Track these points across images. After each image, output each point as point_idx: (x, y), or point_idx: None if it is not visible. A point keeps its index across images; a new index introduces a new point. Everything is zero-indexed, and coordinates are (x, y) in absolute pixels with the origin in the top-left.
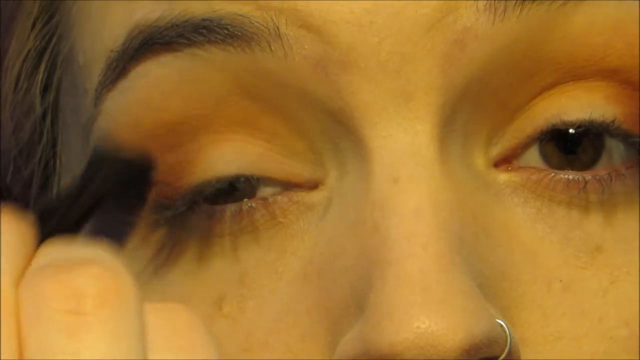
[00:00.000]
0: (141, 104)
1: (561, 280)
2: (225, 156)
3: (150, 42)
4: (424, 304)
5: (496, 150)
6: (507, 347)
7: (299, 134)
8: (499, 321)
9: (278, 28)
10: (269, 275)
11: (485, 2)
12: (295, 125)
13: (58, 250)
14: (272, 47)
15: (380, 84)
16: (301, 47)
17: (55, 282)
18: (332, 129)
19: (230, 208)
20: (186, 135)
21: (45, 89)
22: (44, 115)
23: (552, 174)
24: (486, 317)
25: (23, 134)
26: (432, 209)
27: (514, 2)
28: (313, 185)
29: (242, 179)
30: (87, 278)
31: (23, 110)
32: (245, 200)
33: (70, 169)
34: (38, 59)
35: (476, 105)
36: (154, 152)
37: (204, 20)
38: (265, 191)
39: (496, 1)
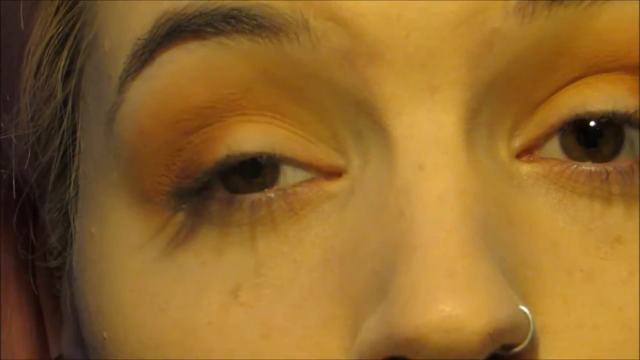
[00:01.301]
0: (167, 91)
1: (582, 270)
2: (250, 135)
3: (178, 30)
4: (449, 288)
5: (519, 142)
6: (530, 334)
7: (323, 122)
8: (522, 308)
9: (306, 20)
10: (286, 264)
11: (515, 2)
12: (320, 113)
13: None
14: (300, 39)
15: (406, 77)
16: (329, 39)
17: None
18: (356, 118)
19: (250, 198)
20: (213, 117)
21: (67, 75)
22: (64, 102)
23: (575, 166)
24: (510, 303)
25: (42, 120)
26: (457, 196)
27: (543, 2)
28: (335, 173)
29: (265, 157)
30: None
31: (43, 96)
32: (266, 190)
33: (91, 156)
34: (61, 45)
35: (501, 99)
36: (178, 136)
37: (232, 10)
38: (287, 173)
39: (525, 2)
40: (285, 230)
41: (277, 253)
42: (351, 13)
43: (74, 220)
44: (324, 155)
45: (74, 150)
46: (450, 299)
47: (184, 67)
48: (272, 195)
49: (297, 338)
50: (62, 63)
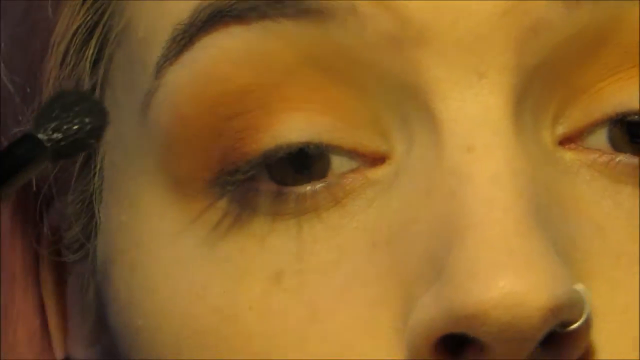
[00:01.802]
0: (208, 75)
1: (628, 255)
2: (296, 124)
3: (220, 15)
4: (509, 265)
5: (562, 129)
6: (586, 311)
7: (366, 108)
8: (577, 286)
9: (354, 5)
10: (329, 250)
11: None
12: (364, 98)
13: None
14: (347, 23)
15: (454, 61)
16: (377, 23)
17: None
18: (400, 102)
19: (296, 191)
20: (255, 102)
21: (94, 64)
22: (92, 91)
23: (619, 158)
24: (567, 280)
25: None
26: (510, 176)
27: None
28: (379, 159)
29: (312, 146)
30: None
31: (69, 85)
32: (312, 182)
33: (121, 144)
34: (89, 34)
35: (545, 85)
36: (218, 121)
37: None
38: (334, 162)
39: None
40: (327, 218)
41: (320, 240)
42: None
43: (98, 211)
44: (368, 141)
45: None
46: (511, 276)
47: (226, 51)
48: (318, 187)
49: (345, 320)
50: (90, 52)
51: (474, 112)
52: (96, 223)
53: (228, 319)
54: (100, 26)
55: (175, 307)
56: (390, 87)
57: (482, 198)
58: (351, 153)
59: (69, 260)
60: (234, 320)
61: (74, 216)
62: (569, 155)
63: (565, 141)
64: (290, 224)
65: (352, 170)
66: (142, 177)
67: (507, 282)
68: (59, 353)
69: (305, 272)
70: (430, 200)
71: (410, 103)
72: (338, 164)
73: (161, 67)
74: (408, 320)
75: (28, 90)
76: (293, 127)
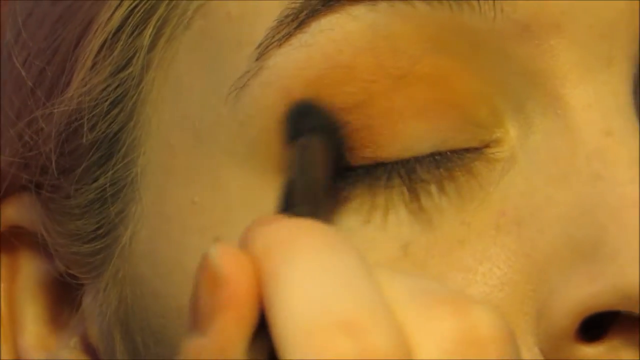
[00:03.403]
0: (326, 60)
1: None
2: (421, 133)
3: None
4: None
5: None
6: None
7: (484, 95)
8: None
9: None
10: (456, 227)
11: None
12: (483, 85)
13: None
14: (483, 8)
15: (585, 47)
16: (513, 10)
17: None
18: (518, 88)
19: (423, 187)
20: (377, 96)
21: (150, 45)
22: (144, 70)
23: None
24: None
25: (105, 93)
26: None
27: None
28: (492, 144)
29: (437, 157)
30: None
31: (112, 67)
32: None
33: (187, 125)
34: (146, 15)
35: None
36: (339, 112)
37: None
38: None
39: None
40: (450, 196)
41: (446, 217)
42: None
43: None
44: (482, 135)
45: (135, 124)
46: None
47: (347, 34)
48: (433, 171)
49: None
50: (148, 32)
51: (606, 98)
52: (135, 208)
53: None
54: (163, 5)
55: None
56: (512, 74)
57: (632, 179)
58: (468, 149)
59: (83, 251)
60: None
61: (97, 202)
62: None
63: None
64: (413, 199)
65: (470, 150)
66: (225, 158)
67: None
68: (5, 357)
69: (432, 246)
70: (567, 184)
71: (533, 90)
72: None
73: (266, 48)
74: (544, 303)
75: (49, 73)
76: (421, 137)
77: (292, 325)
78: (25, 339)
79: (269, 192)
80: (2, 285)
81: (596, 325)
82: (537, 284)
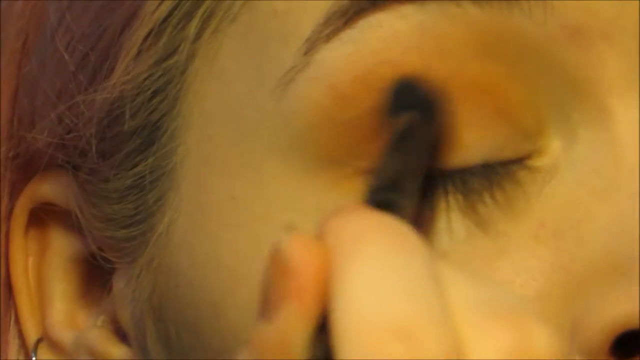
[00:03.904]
0: (375, 56)
1: None
2: (479, 142)
3: None
4: None
5: None
6: None
7: (529, 102)
8: None
9: None
10: (495, 236)
11: None
12: (529, 92)
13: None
14: (533, 11)
15: (632, 57)
16: (563, 14)
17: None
18: (565, 97)
19: (477, 196)
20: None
21: (196, 36)
22: (190, 58)
23: None
24: None
25: (149, 82)
26: None
27: None
28: (534, 154)
29: (487, 167)
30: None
31: (157, 56)
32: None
33: (229, 118)
34: (193, 6)
35: None
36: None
37: None
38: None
39: None
40: (501, 205)
41: (486, 224)
42: None
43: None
44: (531, 145)
45: (177, 113)
46: None
47: (395, 32)
48: (478, 172)
49: None
50: (194, 23)
51: None
52: (172, 197)
53: None
54: None
55: None
56: (559, 81)
57: None
58: (513, 160)
59: (117, 236)
60: None
61: (135, 188)
62: None
63: None
64: (453, 206)
65: (512, 161)
66: (267, 153)
67: None
68: (32, 333)
69: (471, 255)
70: (609, 199)
71: (579, 99)
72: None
73: (314, 44)
74: (580, 319)
75: (92, 59)
76: (472, 148)
77: (346, 324)
78: (52, 316)
79: (311, 190)
80: (30, 259)
81: (629, 342)
82: (574, 298)
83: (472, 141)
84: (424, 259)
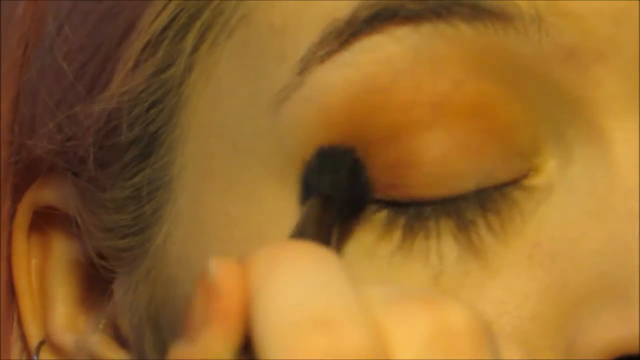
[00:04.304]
0: (365, 81)
1: None
2: (468, 167)
3: (388, 15)
4: None
5: None
6: None
7: (526, 121)
8: None
9: (539, 13)
10: (489, 257)
11: None
12: (525, 111)
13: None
14: (528, 31)
15: (628, 78)
16: (559, 35)
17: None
18: (561, 117)
19: (471, 221)
20: (414, 125)
21: (193, 49)
22: (186, 72)
23: None
24: None
25: (145, 94)
26: None
27: None
28: (530, 173)
29: (481, 191)
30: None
31: (155, 68)
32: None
33: (225, 133)
34: (191, 18)
35: None
36: (371, 136)
37: None
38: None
39: None
40: (494, 229)
41: (480, 245)
42: (585, 10)
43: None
44: (521, 164)
45: (174, 126)
46: None
47: (388, 56)
48: (475, 217)
49: (504, 334)
50: (192, 35)
51: None
52: (167, 210)
53: None
54: (208, 10)
55: None
56: (554, 100)
57: None
58: (506, 182)
59: (117, 246)
60: None
61: (132, 199)
62: None
63: None
64: (447, 228)
65: (506, 183)
66: (261, 170)
67: None
68: (34, 336)
69: (464, 275)
70: (603, 220)
71: (574, 118)
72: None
73: (308, 63)
74: (573, 340)
75: (90, 69)
76: (464, 175)
77: (266, 326)
78: (54, 319)
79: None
80: (33, 261)
81: None
82: (568, 319)
83: (464, 168)
84: (339, 267)
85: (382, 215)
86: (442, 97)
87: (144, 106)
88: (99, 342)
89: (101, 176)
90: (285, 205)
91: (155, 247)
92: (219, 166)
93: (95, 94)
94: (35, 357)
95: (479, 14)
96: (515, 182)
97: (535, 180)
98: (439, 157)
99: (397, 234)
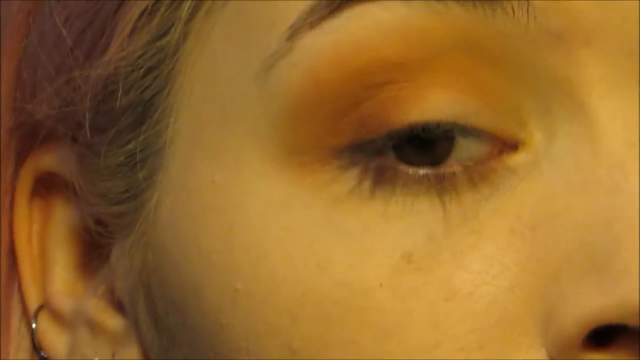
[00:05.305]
0: (355, 44)
1: None
2: (445, 102)
3: None
4: None
5: None
6: None
7: (512, 94)
8: None
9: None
10: (465, 233)
11: None
12: (511, 85)
13: None
14: (516, 14)
15: (615, 61)
16: (546, 19)
17: None
18: (548, 94)
19: (424, 170)
20: (403, 74)
21: (189, 17)
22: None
23: None
24: None
25: (142, 60)
26: None
27: None
28: (513, 145)
29: (458, 127)
30: None
31: (151, 35)
32: (444, 164)
33: (216, 100)
34: None
35: None
36: (359, 89)
37: None
38: (461, 145)
39: None
40: (462, 202)
41: (454, 223)
42: None
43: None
44: (508, 127)
45: (169, 93)
46: None
47: (380, 22)
48: (455, 170)
49: (483, 303)
50: (188, 3)
51: (631, 111)
52: (159, 177)
53: (357, 293)
54: None
55: (291, 275)
56: (542, 78)
57: None
58: (488, 137)
59: (111, 211)
60: (364, 294)
61: (126, 165)
62: None
63: None
64: (419, 206)
65: (486, 153)
66: (247, 139)
67: None
68: (33, 300)
69: (438, 253)
70: (587, 193)
71: (560, 96)
72: (466, 147)
73: (297, 30)
74: (553, 308)
75: (89, 35)
76: (442, 104)
77: None
78: (53, 283)
79: (278, 184)
80: (34, 227)
81: (605, 332)
82: (549, 288)
83: (443, 100)
84: None
85: (348, 176)
86: (428, 59)
87: (140, 72)
88: (96, 307)
89: (97, 142)
90: (264, 176)
91: (147, 213)
92: (208, 133)
93: (93, 59)
94: (33, 322)
95: None
96: (499, 158)
97: (520, 157)
98: (422, 92)
99: (370, 196)
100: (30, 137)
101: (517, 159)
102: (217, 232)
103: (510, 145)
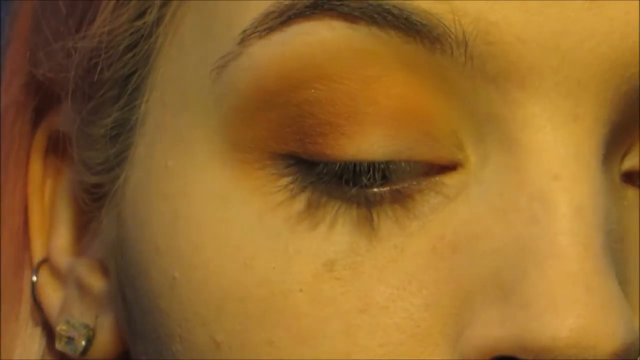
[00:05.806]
0: (299, 60)
1: None
2: (380, 139)
3: (328, 8)
4: (587, 303)
5: (625, 166)
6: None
7: (448, 121)
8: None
9: (466, 40)
10: (387, 248)
11: None
12: (448, 112)
13: None
14: (454, 53)
15: (551, 101)
16: (483, 61)
17: None
18: (484, 125)
19: (361, 190)
20: (345, 96)
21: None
22: (153, 24)
23: None
24: (634, 324)
25: (121, 37)
26: (593, 210)
27: None
28: (450, 167)
29: (392, 165)
30: None
31: (130, 14)
32: (379, 189)
33: (180, 87)
34: None
35: (627, 132)
36: (302, 103)
37: (394, 7)
38: (399, 169)
39: None
40: (387, 218)
41: (378, 238)
42: (513, 37)
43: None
44: (445, 152)
45: (145, 73)
46: (589, 316)
47: (325, 41)
48: (384, 189)
49: (397, 318)
50: None
51: (564, 146)
52: (130, 154)
53: (277, 294)
54: None
55: (222, 268)
56: (478, 111)
57: (565, 229)
58: (424, 164)
59: (88, 180)
60: (284, 297)
61: (104, 138)
62: (629, 192)
63: (625, 178)
64: (346, 218)
65: (421, 175)
66: (199, 130)
67: (585, 322)
68: (37, 253)
69: (359, 265)
70: (506, 220)
71: (494, 128)
72: (403, 169)
73: (248, 37)
74: (463, 329)
75: (79, 6)
76: (378, 143)
77: None
78: (56, 239)
79: (220, 179)
80: (48, 182)
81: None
82: (461, 309)
83: (377, 137)
84: None
85: (283, 181)
86: (371, 80)
87: (119, 49)
88: (86, 268)
89: (85, 111)
90: (209, 169)
91: (117, 187)
92: (169, 119)
93: (82, 30)
94: (34, 274)
95: (409, 29)
96: (434, 177)
97: (454, 177)
98: (359, 123)
99: (301, 202)
100: (48, 97)
101: (451, 178)
102: (164, 217)
103: (446, 167)
